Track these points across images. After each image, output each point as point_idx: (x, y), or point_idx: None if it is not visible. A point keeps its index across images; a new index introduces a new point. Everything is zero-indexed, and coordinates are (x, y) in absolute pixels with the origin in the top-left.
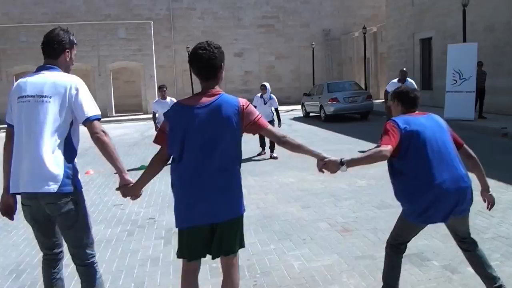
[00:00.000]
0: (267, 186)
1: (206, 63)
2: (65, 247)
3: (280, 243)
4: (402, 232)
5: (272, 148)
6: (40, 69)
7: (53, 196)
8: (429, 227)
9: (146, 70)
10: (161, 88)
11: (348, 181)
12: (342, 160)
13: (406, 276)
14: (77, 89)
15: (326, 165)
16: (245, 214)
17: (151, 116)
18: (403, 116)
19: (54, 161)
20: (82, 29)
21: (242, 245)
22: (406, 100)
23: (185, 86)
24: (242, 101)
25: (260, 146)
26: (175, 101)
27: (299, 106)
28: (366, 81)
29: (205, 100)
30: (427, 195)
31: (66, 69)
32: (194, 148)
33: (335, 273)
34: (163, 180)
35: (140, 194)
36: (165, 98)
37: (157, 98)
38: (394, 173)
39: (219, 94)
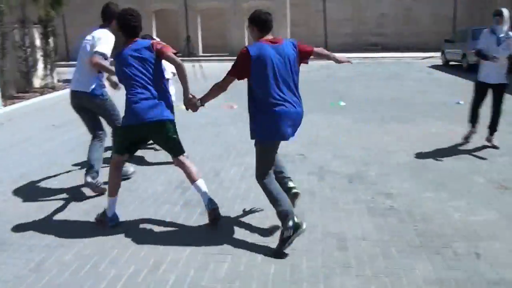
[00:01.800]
0: (414, 134)
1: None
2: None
3: (436, 192)
4: None
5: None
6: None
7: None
8: None
9: (279, 9)
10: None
11: (501, 138)
12: (198, 99)
13: None
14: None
15: (188, 105)
16: (395, 160)
17: None
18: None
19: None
20: None
21: None
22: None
23: (318, 26)
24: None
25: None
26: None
27: (437, 53)
28: None
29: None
30: None
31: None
32: None
33: (497, 229)
34: (309, 120)
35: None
36: None
37: None
38: None
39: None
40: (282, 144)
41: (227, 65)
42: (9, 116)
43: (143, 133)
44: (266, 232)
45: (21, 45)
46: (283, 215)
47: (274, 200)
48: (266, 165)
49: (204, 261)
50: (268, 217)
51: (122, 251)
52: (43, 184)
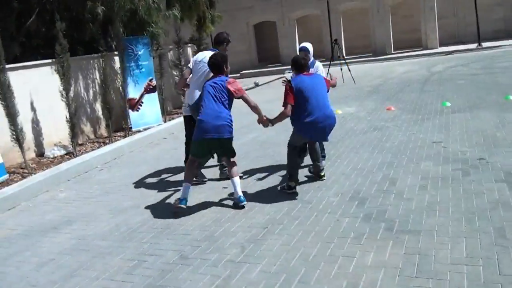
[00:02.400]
0: None
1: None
2: None
3: None
4: None
5: None
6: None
7: None
8: None
9: (426, 2)
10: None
11: None
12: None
13: None
14: None
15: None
16: None
17: (433, 51)
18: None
19: None
20: None
21: None
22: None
23: (467, 15)
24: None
25: None
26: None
27: None
28: None
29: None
30: None
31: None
32: None
33: None
34: (478, 118)
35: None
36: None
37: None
38: None
39: None
40: (459, 149)
41: (372, 66)
42: (170, 131)
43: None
44: (464, 249)
45: (177, 64)
46: (290, 176)
47: (290, 166)
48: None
49: (405, 285)
50: (463, 231)
51: (311, 269)
52: (215, 198)
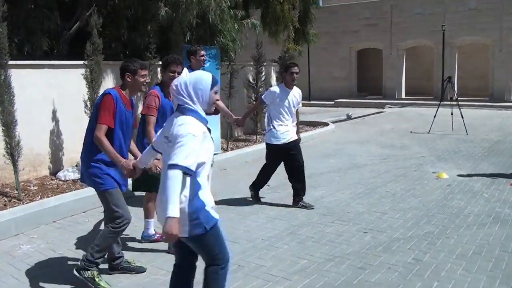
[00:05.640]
0: None
1: None
2: None
3: None
4: None
5: None
6: None
7: None
8: None
9: None
10: None
11: None
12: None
13: None
14: None
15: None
16: None
17: None
18: None
19: None
20: None
21: None
22: None
23: None
24: None
25: None
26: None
27: None
28: None
29: None
30: None
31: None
32: None
33: None
34: None
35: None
36: None
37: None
38: None
39: None
40: None
41: (487, 113)
42: (228, 164)
43: None
44: None
45: (253, 84)
46: None
47: None
48: None
49: None
50: None
51: None
52: None
